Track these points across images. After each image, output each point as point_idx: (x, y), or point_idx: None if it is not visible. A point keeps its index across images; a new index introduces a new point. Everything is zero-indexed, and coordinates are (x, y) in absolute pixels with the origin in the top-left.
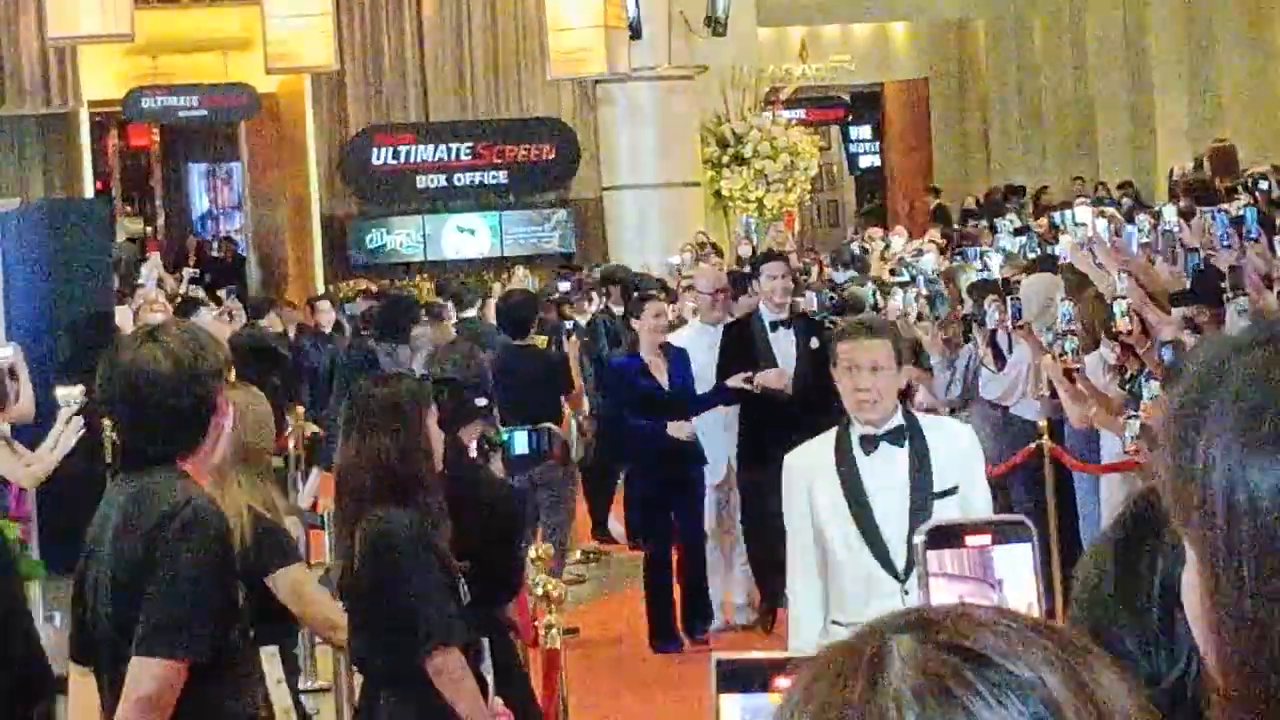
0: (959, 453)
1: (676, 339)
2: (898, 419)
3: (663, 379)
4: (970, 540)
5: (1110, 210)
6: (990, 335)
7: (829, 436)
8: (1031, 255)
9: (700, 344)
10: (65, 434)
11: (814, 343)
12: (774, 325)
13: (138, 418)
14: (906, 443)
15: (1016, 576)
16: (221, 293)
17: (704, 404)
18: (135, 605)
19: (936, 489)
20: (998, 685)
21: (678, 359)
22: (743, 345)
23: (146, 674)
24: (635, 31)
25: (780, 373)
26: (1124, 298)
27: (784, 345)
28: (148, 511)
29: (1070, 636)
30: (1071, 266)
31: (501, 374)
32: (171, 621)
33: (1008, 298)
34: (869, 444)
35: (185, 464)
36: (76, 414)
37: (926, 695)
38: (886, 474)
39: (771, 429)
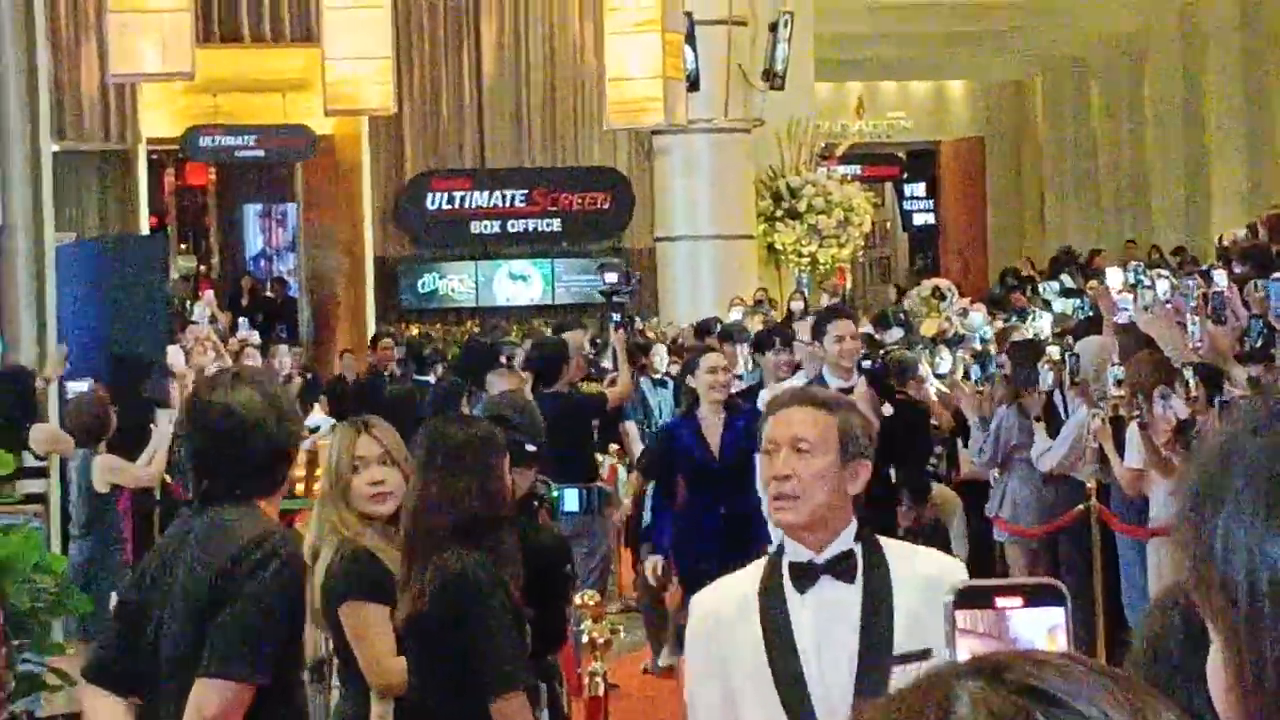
0: (938, 600)
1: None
2: (846, 542)
3: (715, 446)
4: (1001, 602)
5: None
6: (1046, 399)
7: (757, 567)
8: (1084, 316)
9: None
10: (160, 447)
11: (887, 409)
12: (844, 393)
13: (224, 457)
14: (859, 578)
15: (1048, 641)
16: (280, 343)
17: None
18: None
19: (899, 649)
20: None
21: (738, 420)
22: None
23: (214, 694)
24: (693, 83)
25: None
26: (1190, 362)
27: None
28: (228, 543)
29: (1136, 681)
30: (1124, 328)
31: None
32: (243, 645)
33: (1067, 356)
34: (803, 576)
35: (261, 502)
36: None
37: None
38: (826, 622)
39: None
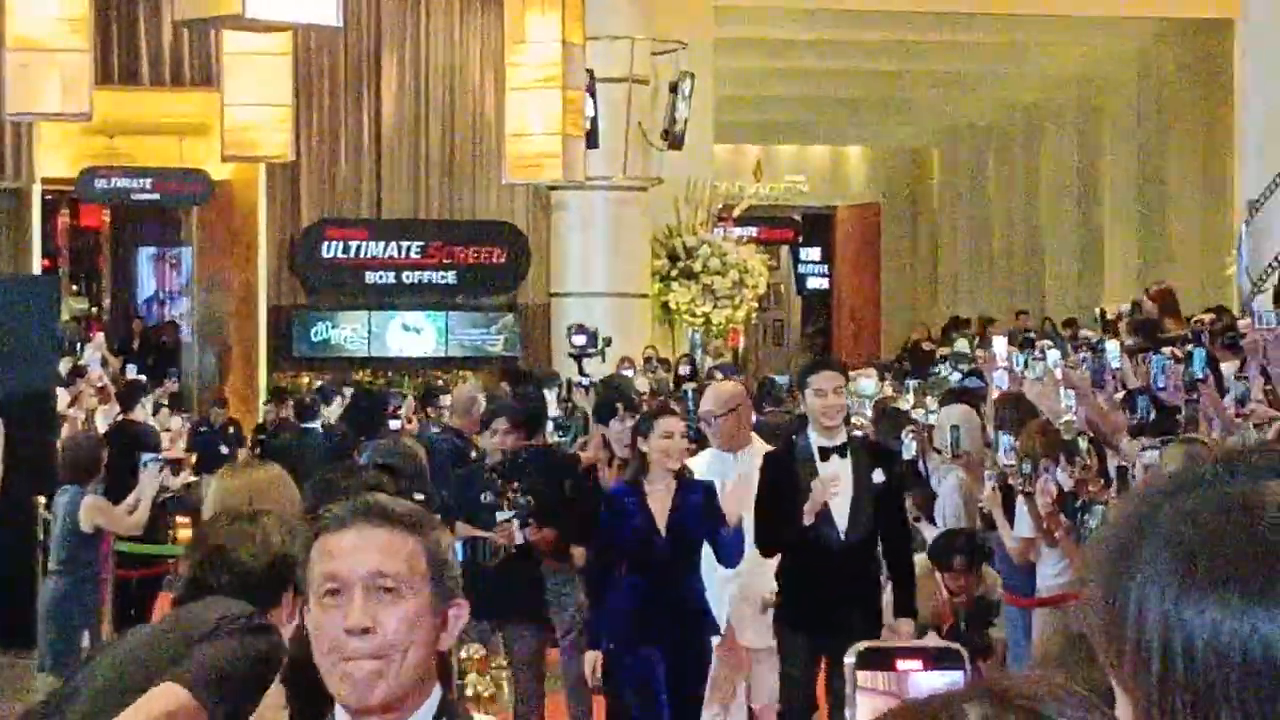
0: None
1: (692, 465)
2: None
3: (661, 519)
4: (902, 665)
5: (1041, 342)
6: (908, 466)
7: None
8: (956, 386)
9: (706, 473)
10: (146, 492)
11: (878, 475)
12: (825, 453)
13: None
14: None
15: None
16: (168, 381)
17: (729, 551)
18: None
19: None
20: None
21: (692, 494)
22: (783, 480)
23: (169, 694)
24: (592, 141)
25: (821, 488)
26: (1084, 431)
27: (837, 477)
28: (205, 613)
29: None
30: (1012, 398)
31: (511, 477)
32: (210, 668)
33: (950, 429)
34: None
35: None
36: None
37: None
38: None
39: (815, 588)
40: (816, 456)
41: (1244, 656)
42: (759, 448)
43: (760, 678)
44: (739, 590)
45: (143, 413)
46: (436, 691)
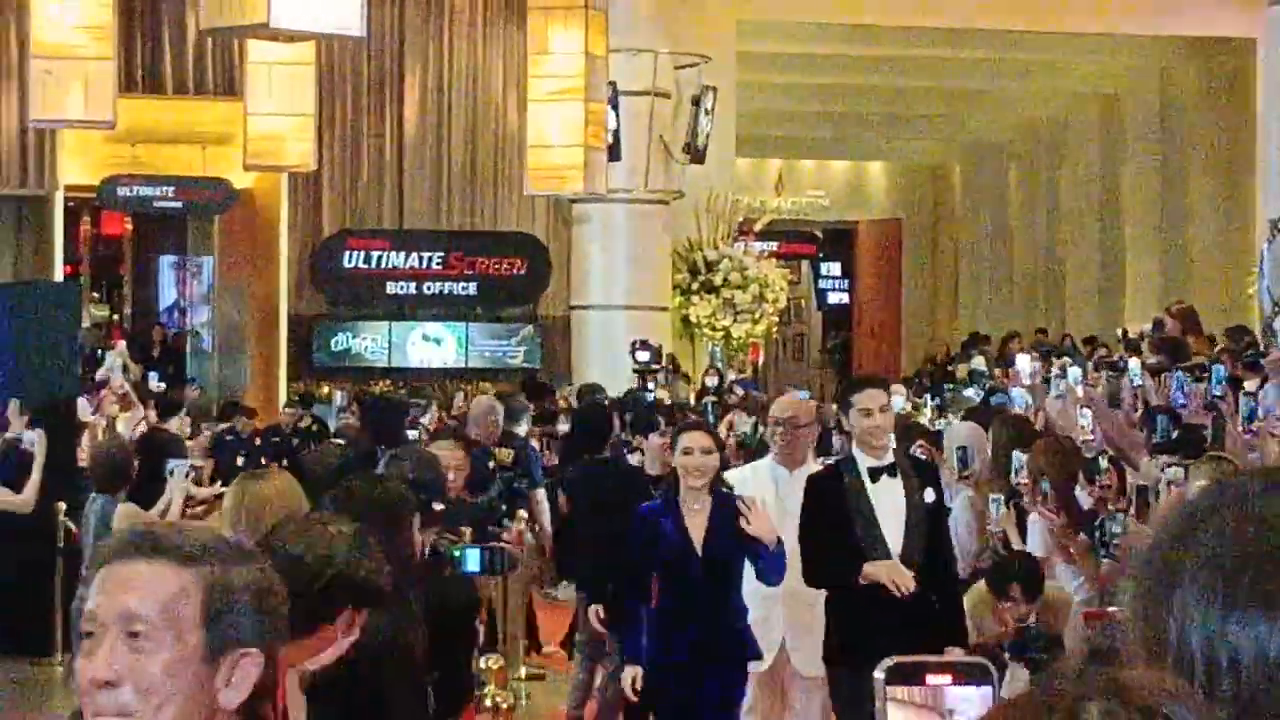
0: None
1: (734, 478)
2: None
3: (697, 537)
4: (932, 679)
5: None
6: None
7: None
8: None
9: (762, 489)
10: (175, 499)
11: (929, 495)
12: (874, 474)
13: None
14: None
15: (974, 716)
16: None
17: (769, 567)
18: None
19: None
20: None
21: (727, 511)
22: (830, 502)
23: None
24: (614, 153)
25: (895, 567)
26: (1104, 450)
27: (888, 499)
28: None
29: None
30: (1017, 416)
31: (579, 493)
32: None
33: (955, 449)
34: None
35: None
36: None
37: None
38: None
39: (867, 619)
40: (866, 478)
41: None
42: (813, 468)
43: (810, 710)
44: (789, 614)
45: (177, 423)
46: None
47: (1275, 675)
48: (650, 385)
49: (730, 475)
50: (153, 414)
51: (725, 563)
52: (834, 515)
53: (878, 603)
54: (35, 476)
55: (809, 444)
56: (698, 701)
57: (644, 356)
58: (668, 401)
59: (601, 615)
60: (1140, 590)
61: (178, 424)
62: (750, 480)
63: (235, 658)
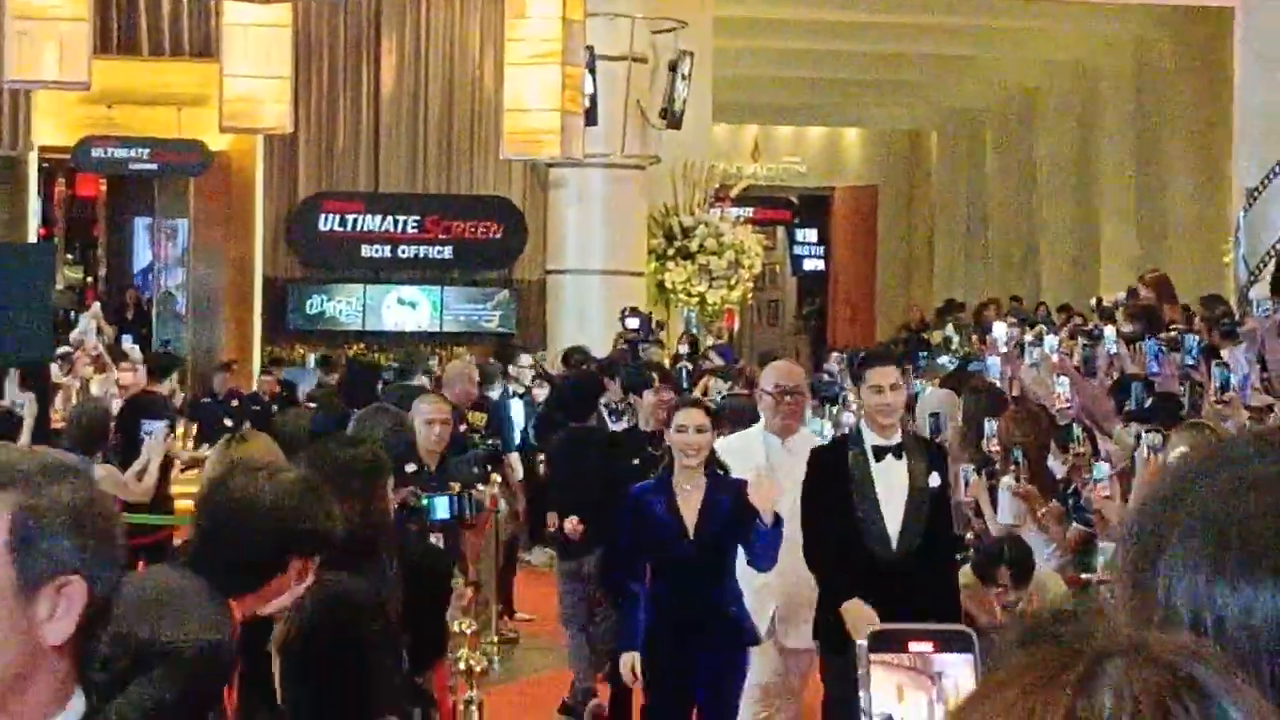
0: None
1: (722, 447)
2: None
3: (690, 518)
4: (914, 646)
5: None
6: None
7: None
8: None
9: (750, 458)
10: (152, 460)
11: (934, 480)
12: (879, 452)
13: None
14: None
15: (956, 682)
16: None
17: (761, 549)
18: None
19: None
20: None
21: (723, 496)
22: (831, 477)
23: None
24: (591, 118)
25: (860, 616)
26: (1077, 417)
27: (892, 479)
28: (178, 612)
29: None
30: (988, 384)
31: (561, 459)
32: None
33: (928, 416)
34: None
35: (235, 601)
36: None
37: (1144, 714)
38: None
39: (865, 593)
40: (871, 457)
41: (1277, 633)
42: (806, 438)
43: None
44: (783, 596)
45: (168, 385)
46: (76, 704)
47: (1260, 638)
48: (640, 354)
49: (719, 444)
50: (129, 375)
51: (719, 546)
52: (835, 491)
53: (870, 586)
54: (24, 439)
55: (803, 411)
56: (693, 687)
57: (634, 324)
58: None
59: (577, 524)
60: (1129, 551)
61: (169, 386)
62: (740, 450)
63: (55, 587)
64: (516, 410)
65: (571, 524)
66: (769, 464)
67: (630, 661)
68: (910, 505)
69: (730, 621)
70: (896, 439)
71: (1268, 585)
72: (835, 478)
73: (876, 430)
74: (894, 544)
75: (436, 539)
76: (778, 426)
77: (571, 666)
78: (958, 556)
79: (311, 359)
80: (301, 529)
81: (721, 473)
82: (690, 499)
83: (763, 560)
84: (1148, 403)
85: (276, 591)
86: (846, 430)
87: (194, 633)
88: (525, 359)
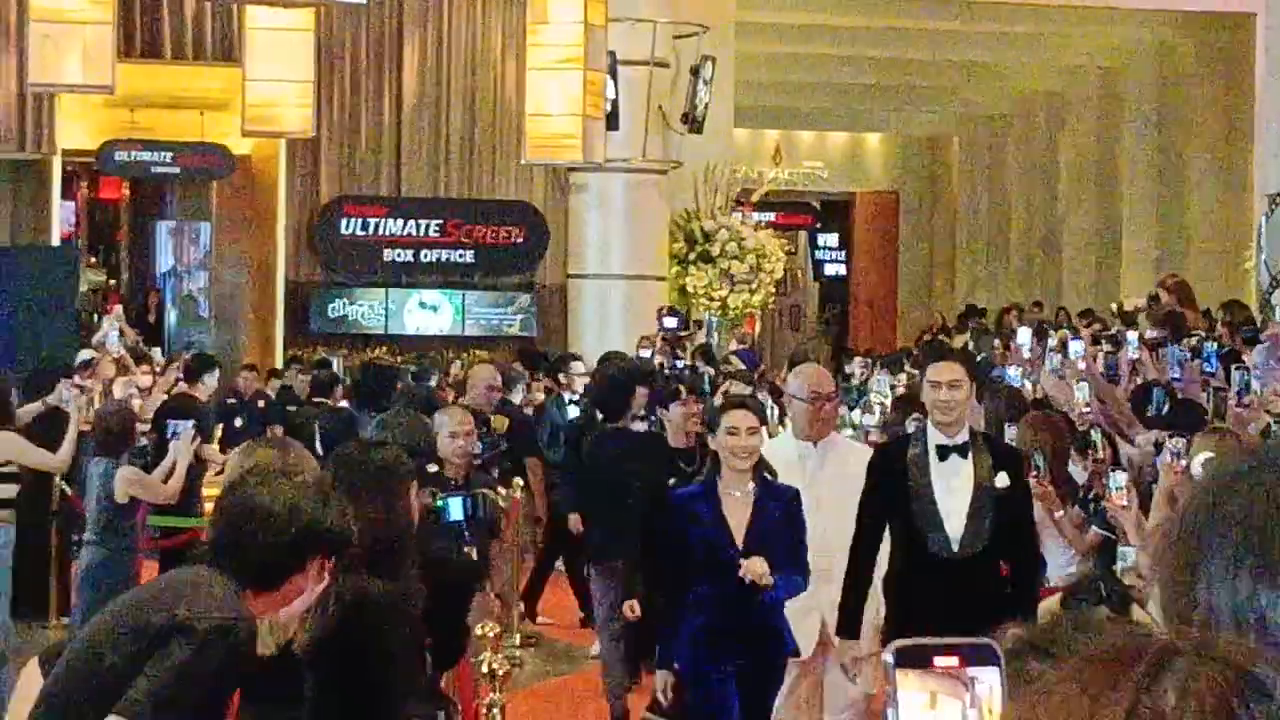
0: None
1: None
2: None
3: (739, 530)
4: (939, 661)
5: (1060, 332)
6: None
7: None
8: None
9: (782, 464)
10: (179, 461)
11: (1001, 480)
12: (943, 451)
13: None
14: None
15: (987, 700)
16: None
17: (789, 586)
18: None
19: None
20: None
21: (774, 503)
22: (890, 477)
23: None
24: (612, 123)
25: (845, 652)
26: (1097, 423)
27: (955, 478)
28: (181, 592)
29: None
30: (1010, 388)
31: (595, 461)
32: (151, 696)
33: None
34: None
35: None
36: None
37: (1208, 713)
38: None
39: (924, 608)
40: (933, 455)
41: None
42: (837, 442)
43: (849, 693)
44: (828, 595)
45: (203, 389)
46: None
47: None
48: (679, 352)
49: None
50: (149, 379)
51: (767, 554)
52: (893, 491)
53: (931, 588)
54: (71, 432)
55: (830, 417)
56: (730, 700)
57: (672, 323)
58: (698, 368)
59: (636, 611)
60: (1169, 553)
61: (207, 388)
62: (771, 457)
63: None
64: (570, 415)
65: (630, 609)
66: (805, 471)
67: (665, 681)
68: (974, 506)
69: (773, 632)
70: (962, 437)
71: None
72: (894, 478)
73: (940, 429)
74: (955, 545)
75: (470, 551)
76: (811, 432)
77: (606, 677)
78: (1039, 561)
79: (335, 362)
80: (317, 530)
81: (771, 478)
82: (737, 505)
83: (783, 593)
84: (1167, 408)
85: (296, 591)
86: (869, 430)
87: (208, 610)
88: (578, 366)
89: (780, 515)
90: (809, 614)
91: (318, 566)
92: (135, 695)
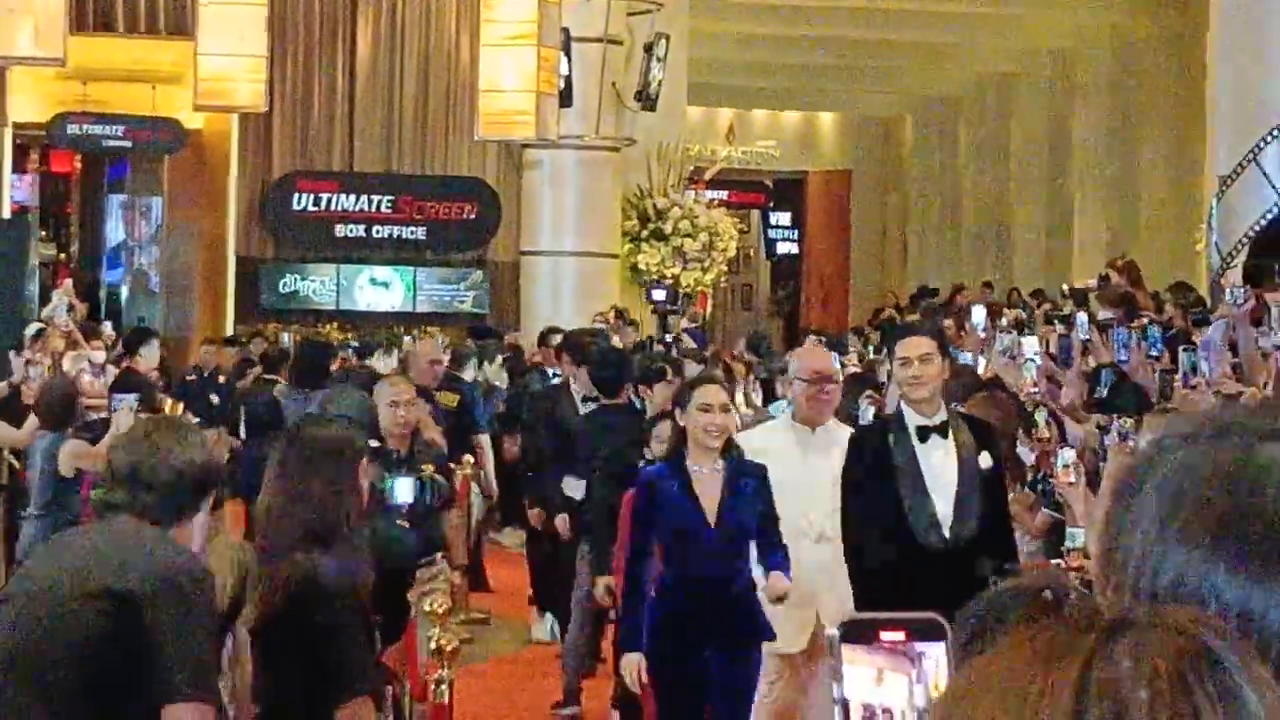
0: None
1: (746, 439)
2: None
3: (710, 508)
4: (885, 636)
5: (1012, 312)
6: None
7: None
8: None
9: (781, 450)
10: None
11: (985, 460)
12: (924, 432)
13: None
14: None
15: (934, 675)
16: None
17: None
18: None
19: None
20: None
21: (743, 480)
22: (874, 461)
23: (199, 716)
24: (566, 99)
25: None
26: (1044, 404)
27: (939, 461)
28: (141, 559)
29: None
30: (963, 367)
31: (588, 436)
32: (202, 666)
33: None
34: None
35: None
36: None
37: (1162, 680)
38: None
39: (911, 602)
40: (914, 437)
41: (1208, 607)
42: (833, 427)
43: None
44: (823, 585)
45: (142, 361)
46: None
47: (1208, 600)
48: (668, 323)
49: (743, 438)
50: (102, 353)
51: (740, 534)
52: (878, 477)
53: (919, 579)
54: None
55: (830, 401)
56: (705, 685)
57: (659, 295)
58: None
59: (613, 590)
60: (1103, 510)
61: (142, 360)
62: (769, 443)
63: None
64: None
65: (606, 588)
66: (804, 456)
67: (634, 664)
68: (961, 490)
69: (747, 614)
70: (940, 416)
71: (1196, 561)
72: (877, 462)
73: (915, 408)
74: (946, 531)
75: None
76: (810, 416)
77: (566, 661)
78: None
79: (285, 338)
80: (212, 466)
81: (738, 456)
82: (708, 484)
83: (778, 569)
84: (1107, 390)
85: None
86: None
87: (174, 564)
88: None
89: (751, 492)
90: (805, 608)
91: (207, 511)
92: (181, 677)
